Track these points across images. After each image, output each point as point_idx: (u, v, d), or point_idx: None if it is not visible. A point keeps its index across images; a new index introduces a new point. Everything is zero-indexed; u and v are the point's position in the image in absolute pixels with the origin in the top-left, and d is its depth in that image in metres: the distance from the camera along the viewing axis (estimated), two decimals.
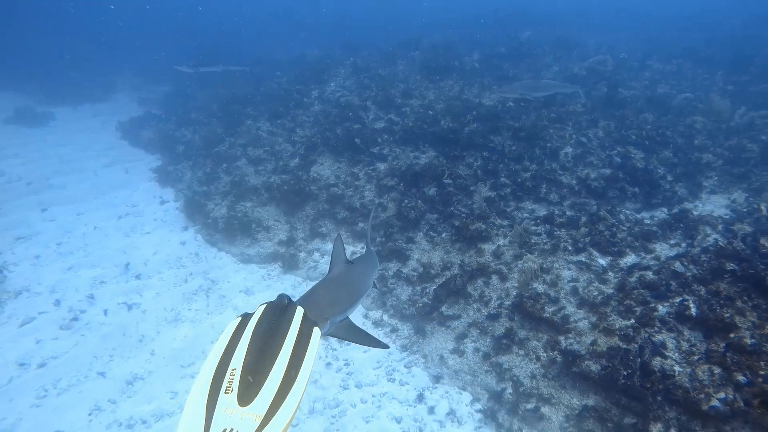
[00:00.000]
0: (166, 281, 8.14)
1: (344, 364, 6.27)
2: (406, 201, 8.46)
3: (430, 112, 11.24)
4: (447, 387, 5.97)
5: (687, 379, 4.56)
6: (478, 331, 6.31)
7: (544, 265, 6.63)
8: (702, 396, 4.40)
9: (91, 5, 36.57)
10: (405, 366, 6.27)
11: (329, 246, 8.52)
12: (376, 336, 6.74)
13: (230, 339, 1.25)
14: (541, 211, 8.35)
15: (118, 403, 5.76)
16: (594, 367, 5.05)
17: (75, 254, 8.73)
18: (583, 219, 7.47)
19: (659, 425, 4.49)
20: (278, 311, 1.32)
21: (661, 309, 5.27)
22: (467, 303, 6.66)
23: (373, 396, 5.82)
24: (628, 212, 7.98)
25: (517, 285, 6.50)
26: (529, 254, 6.78)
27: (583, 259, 6.56)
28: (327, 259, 8.23)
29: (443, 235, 7.87)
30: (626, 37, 20.67)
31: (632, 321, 5.30)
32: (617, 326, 5.25)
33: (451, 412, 5.62)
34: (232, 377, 1.14)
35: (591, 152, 9.59)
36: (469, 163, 9.63)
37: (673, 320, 5.14)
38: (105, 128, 15.45)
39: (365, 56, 16.17)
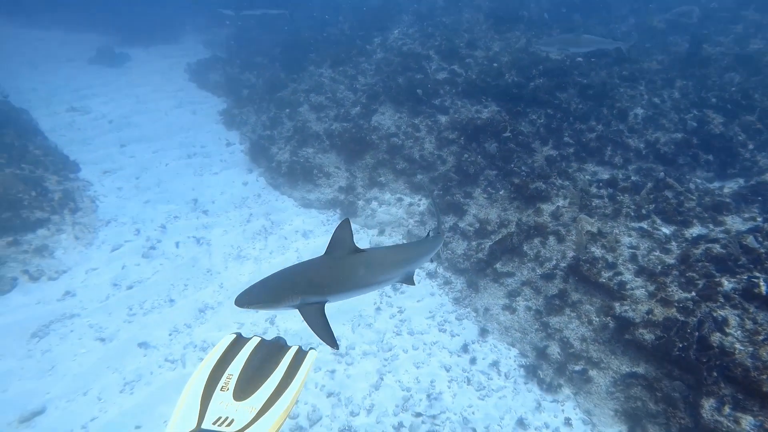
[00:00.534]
0: (232, 220, 8.66)
1: (398, 311, 6.60)
2: (466, 155, 8.44)
3: (495, 65, 10.87)
4: (496, 341, 6.20)
5: (748, 358, 4.51)
6: (531, 290, 6.42)
7: (603, 230, 6.56)
8: (764, 377, 4.34)
9: None
10: (456, 318, 6.53)
11: (387, 195, 8.72)
12: (429, 286, 7.06)
13: (225, 351, 1.25)
14: (605, 174, 8.12)
15: (192, 328, 6.40)
16: (648, 336, 5.09)
17: (152, 189, 9.43)
18: (649, 185, 7.22)
19: (712, 400, 4.51)
20: (275, 347, 1.30)
21: (727, 284, 5.15)
22: (522, 262, 6.74)
23: (425, 344, 6.14)
24: (699, 181, 7.62)
25: (574, 247, 6.49)
26: (586, 216, 6.70)
27: (646, 227, 6.41)
28: (384, 208, 8.46)
29: (501, 192, 7.86)
30: None
31: (693, 294, 5.22)
32: (676, 298, 5.21)
33: (498, 366, 5.86)
34: (228, 380, 1.16)
35: (663, 114, 9.06)
36: (532, 120, 9.37)
37: (738, 297, 5.02)
38: (174, 70, 16.04)
39: (429, 3, 15.57)
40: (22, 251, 7.05)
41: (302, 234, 8.29)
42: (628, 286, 5.67)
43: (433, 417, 5.26)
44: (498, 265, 6.85)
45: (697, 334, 4.78)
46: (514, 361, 5.93)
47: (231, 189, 9.60)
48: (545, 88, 9.97)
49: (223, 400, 1.12)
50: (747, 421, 4.28)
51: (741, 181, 7.65)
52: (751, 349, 4.59)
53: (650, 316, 5.20)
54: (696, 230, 6.25)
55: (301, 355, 1.28)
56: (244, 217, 8.76)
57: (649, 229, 6.31)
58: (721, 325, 4.81)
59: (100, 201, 8.87)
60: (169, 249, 7.86)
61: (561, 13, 14.36)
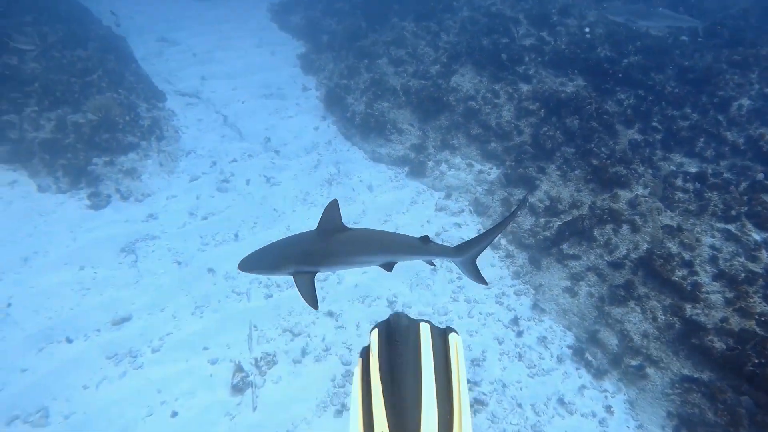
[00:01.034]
0: (302, 164, 8.87)
1: (457, 278, 6.67)
2: (544, 128, 8.15)
3: (588, 36, 10.22)
4: (552, 323, 6.18)
5: None
6: (596, 277, 6.29)
7: (684, 226, 6.26)
8: None
9: None
10: (515, 293, 6.53)
11: (458, 159, 8.63)
12: (491, 257, 7.05)
13: (361, 390, 1.05)
14: (692, 167, 7.65)
15: None
16: (718, 344, 4.91)
17: (229, 125, 9.75)
18: (743, 185, 6.76)
19: None
20: (398, 339, 1.08)
21: None
22: (590, 246, 6.57)
23: (480, 313, 6.21)
24: None
25: (648, 239, 6.25)
26: (664, 207, 6.39)
27: (733, 230, 6.06)
28: (453, 172, 8.39)
29: (576, 172, 7.59)
30: None
31: None
32: (758, 310, 4.96)
33: (551, 347, 5.87)
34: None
35: None
36: (620, 100, 8.86)
37: None
38: (257, 8, 16.07)
39: None
40: (117, 170, 7.60)
41: (368, 187, 8.39)
42: (703, 289, 5.45)
43: (476, 383, 5.39)
44: (564, 246, 6.72)
45: None
46: (568, 346, 5.91)
47: (304, 133, 9.77)
48: (640, 66, 9.32)
49: None
50: None
51: None
52: None
53: (725, 324, 5.00)
54: None
55: (439, 342, 1.10)
56: (313, 162, 8.94)
57: (737, 232, 5.96)
58: None
59: (182, 132, 9.31)
60: (240, 185, 8.20)
61: None
